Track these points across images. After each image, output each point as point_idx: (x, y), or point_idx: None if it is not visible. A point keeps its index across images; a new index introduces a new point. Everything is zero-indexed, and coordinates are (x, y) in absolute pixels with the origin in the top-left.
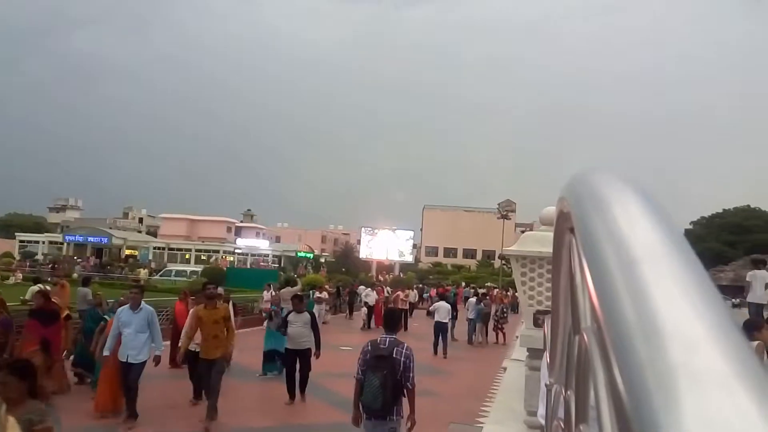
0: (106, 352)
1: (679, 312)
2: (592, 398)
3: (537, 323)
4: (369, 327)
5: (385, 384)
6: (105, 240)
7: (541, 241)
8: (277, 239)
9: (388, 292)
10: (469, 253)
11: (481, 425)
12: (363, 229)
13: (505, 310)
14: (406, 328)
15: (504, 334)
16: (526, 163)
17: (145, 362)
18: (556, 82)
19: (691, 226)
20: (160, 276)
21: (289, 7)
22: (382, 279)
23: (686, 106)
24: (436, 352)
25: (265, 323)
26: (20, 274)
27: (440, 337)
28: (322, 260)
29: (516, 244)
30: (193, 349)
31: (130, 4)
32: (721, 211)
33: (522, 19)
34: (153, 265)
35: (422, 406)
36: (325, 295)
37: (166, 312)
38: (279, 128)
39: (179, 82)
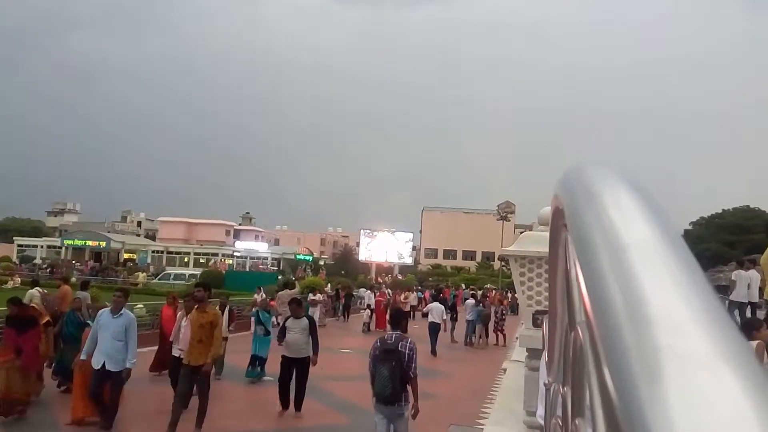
0: (83, 356)
1: (665, 297)
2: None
3: (536, 323)
4: (369, 330)
5: (393, 374)
6: (103, 244)
7: (539, 241)
8: (276, 242)
9: (389, 295)
10: (469, 255)
11: (481, 427)
12: (362, 231)
13: (504, 312)
14: (405, 331)
15: (504, 336)
16: (526, 163)
17: (124, 373)
18: (556, 81)
19: (690, 227)
20: (159, 279)
21: (288, 8)
22: (381, 281)
23: (686, 106)
24: (434, 353)
25: (253, 327)
26: (18, 279)
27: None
28: (321, 263)
29: (514, 244)
30: (177, 355)
31: (128, 5)
32: (720, 211)
33: (521, 18)
34: (151, 268)
35: (422, 408)
36: (320, 297)
37: None
38: (277, 130)
39: (178, 84)
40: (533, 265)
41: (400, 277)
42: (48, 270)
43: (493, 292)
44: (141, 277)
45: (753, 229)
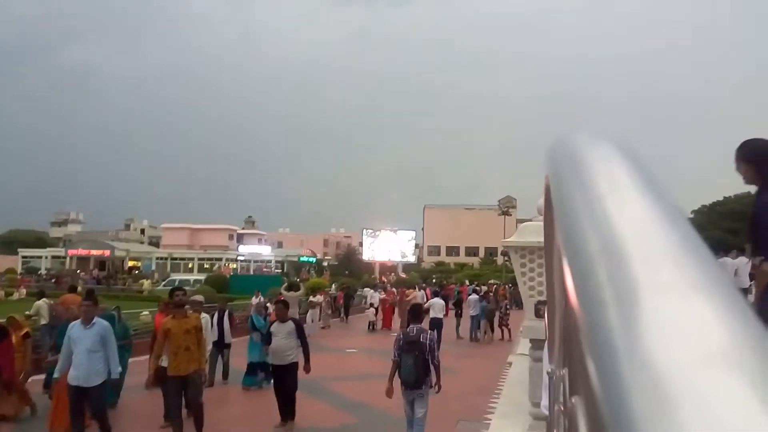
0: (56, 374)
1: (642, 234)
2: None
3: (538, 314)
4: (374, 329)
5: (417, 362)
6: (107, 252)
7: (538, 231)
8: (279, 245)
9: (396, 293)
10: (472, 251)
11: (488, 421)
12: (364, 231)
13: (508, 306)
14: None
15: (509, 331)
16: (526, 157)
17: (102, 385)
18: (553, 72)
19: (692, 215)
20: (164, 286)
21: (282, 12)
22: (385, 280)
23: (683, 94)
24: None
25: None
26: (24, 290)
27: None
28: (325, 264)
29: (514, 235)
30: (163, 365)
31: (127, 17)
32: (721, 198)
33: (514, 11)
34: (156, 275)
35: (431, 405)
36: (319, 298)
37: None
38: (277, 133)
39: (177, 91)
40: (534, 255)
41: (404, 276)
42: (53, 280)
43: (494, 286)
44: (146, 284)
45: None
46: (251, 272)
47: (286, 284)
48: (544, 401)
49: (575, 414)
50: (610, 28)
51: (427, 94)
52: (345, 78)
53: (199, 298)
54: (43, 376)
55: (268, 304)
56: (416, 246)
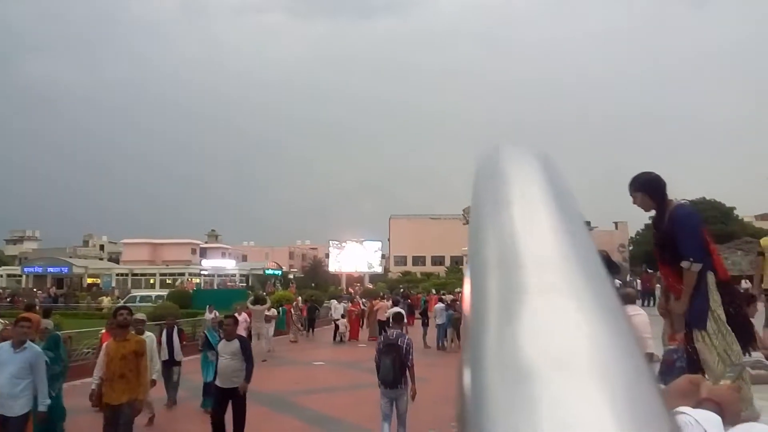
0: None
1: (533, 241)
2: None
3: None
4: (342, 340)
5: (395, 363)
6: (65, 269)
7: None
8: (244, 258)
9: (363, 305)
10: (438, 260)
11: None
12: (330, 242)
13: None
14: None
15: None
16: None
17: (26, 417)
18: (516, 88)
19: (650, 221)
20: (125, 303)
21: (244, 27)
22: (352, 291)
23: (639, 107)
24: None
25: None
26: None
27: None
28: (291, 276)
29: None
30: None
31: (84, 32)
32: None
33: (478, 28)
34: (117, 292)
35: None
36: (273, 312)
37: None
38: (238, 147)
39: (135, 106)
40: None
41: (371, 286)
42: (9, 300)
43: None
44: (106, 301)
45: (710, 221)
46: (215, 286)
47: (252, 297)
48: None
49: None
50: (576, 46)
51: (390, 107)
52: (308, 91)
53: (141, 316)
54: None
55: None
56: (383, 256)
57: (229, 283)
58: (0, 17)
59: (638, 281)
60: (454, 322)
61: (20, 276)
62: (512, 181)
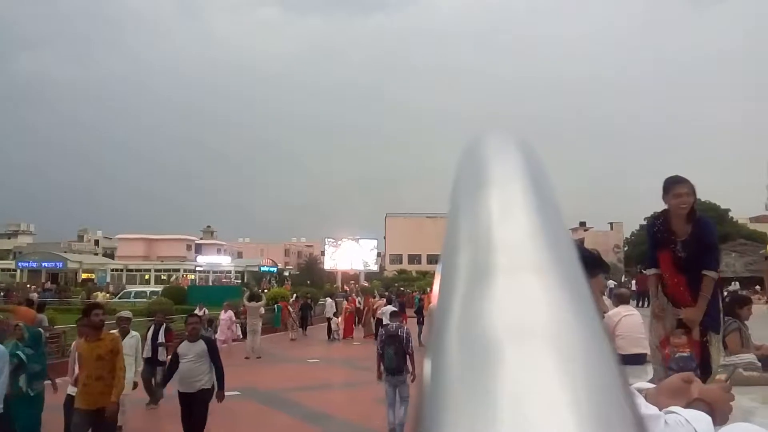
0: None
1: (504, 223)
2: None
3: None
4: (336, 338)
5: (397, 352)
6: (60, 264)
7: None
8: (239, 255)
9: (359, 302)
10: (434, 259)
11: None
12: (326, 240)
13: None
14: (376, 337)
15: None
16: None
17: None
18: (515, 87)
19: (645, 222)
20: (119, 299)
21: (240, 22)
22: (348, 289)
23: (635, 109)
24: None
25: None
26: None
27: None
28: (286, 274)
29: None
30: (72, 394)
31: (79, 26)
32: None
33: (476, 25)
34: (111, 287)
35: None
36: (262, 310)
37: None
38: (237, 143)
39: (130, 101)
40: None
41: (366, 284)
42: (2, 294)
43: None
44: (100, 296)
45: None
46: (210, 283)
47: (247, 294)
48: None
49: None
50: (562, 47)
51: (387, 104)
52: (305, 87)
53: (126, 314)
54: None
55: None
56: (378, 254)
57: (224, 280)
58: None
59: (633, 282)
60: None
61: (14, 270)
62: (488, 165)
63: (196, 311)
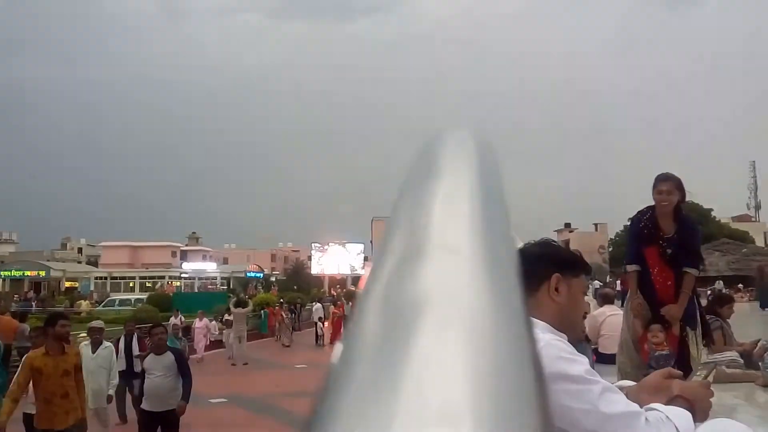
0: None
1: (441, 216)
2: None
3: None
4: (323, 344)
5: None
6: (43, 273)
7: None
8: (225, 261)
9: (347, 307)
10: None
11: None
12: (313, 245)
13: None
14: None
15: None
16: None
17: None
18: (493, 92)
19: (629, 223)
20: (103, 307)
21: (222, 28)
22: (335, 293)
23: (618, 110)
24: None
25: None
26: None
27: None
28: (273, 279)
29: None
30: (30, 413)
31: (60, 32)
32: None
33: (460, 31)
34: (95, 295)
35: None
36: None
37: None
38: (221, 148)
39: (112, 107)
40: None
41: (353, 288)
42: None
43: None
44: (84, 305)
45: None
46: (196, 289)
47: (234, 300)
48: None
49: None
50: (549, 52)
51: (370, 109)
52: (289, 92)
53: (98, 324)
54: None
55: (213, 322)
56: (365, 258)
57: (210, 286)
58: None
59: (618, 282)
60: None
61: None
62: (436, 159)
63: (172, 318)
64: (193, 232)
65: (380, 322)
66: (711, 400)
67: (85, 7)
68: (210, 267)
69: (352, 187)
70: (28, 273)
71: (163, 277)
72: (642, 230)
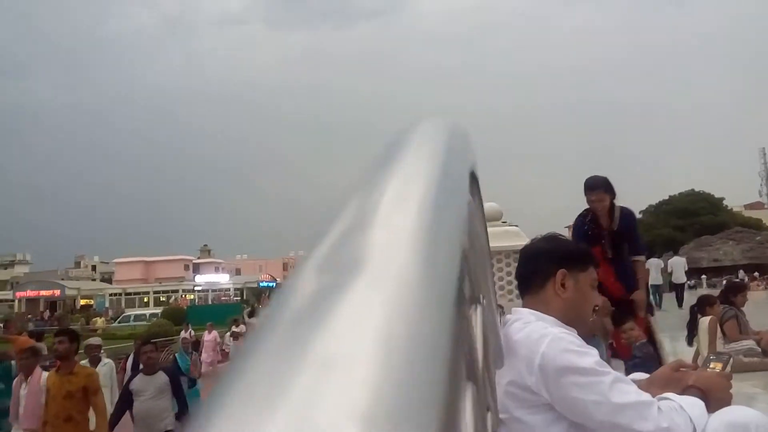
0: None
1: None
2: None
3: None
4: None
5: None
6: (58, 292)
7: None
8: (237, 271)
9: None
10: None
11: None
12: None
13: None
14: None
15: None
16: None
17: None
18: (493, 86)
19: (641, 216)
20: (119, 323)
21: (224, 37)
22: None
23: (627, 98)
24: None
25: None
26: None
27: None
28: None
29: None
30: None
31: (65, 48)
32: (667, 197)
33: (458, 32)
34: (110, 312)
35: None
36: (242, 328)
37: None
38: (231, 157)
39: (123, 117)
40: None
41: None
42: (1, 325)
43: None
44: (99, 322)
45: (699, 212)
46: (209, 302)
47: (248, 310)
48: None
49: None
50: (551, 40)
51: (377, 108)
52: (297, 96)
53: (95, 341)
54: None
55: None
56: None
57: (223, 298)
58: None
59: None
60: None
61: (12, 301)
62: (402, 143)
63: (182, 333)
64: (205, 245)
65: (302, 284)
66: (731, 392)
67: (91, 25)
68: (223, 279)
69: None
70: (43, 293)
71: (176, 291)
72: (587, 232)
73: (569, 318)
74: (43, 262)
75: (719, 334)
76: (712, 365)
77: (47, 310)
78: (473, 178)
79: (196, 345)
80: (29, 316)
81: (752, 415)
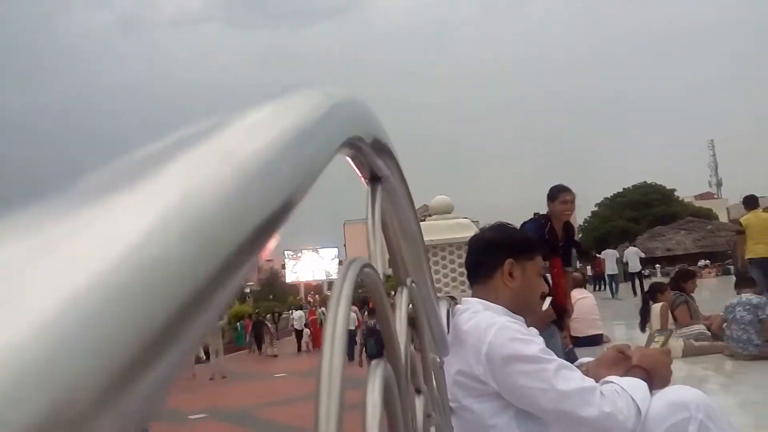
0: None
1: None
2: None
3: None
4: (308, 350)
5: (377, 342)
6: None
7: (430, 230)
8: None
9: (322, 313)
10: None
11: None
12: (285, 253)
13: None
14: None
15: None
16: (442, 166)
17: None
18: (455, 78)
19: (596, 208)
20: None
21: (184, 41)
22: (311, 300)
23: (581, 92)
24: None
25: None
26: None
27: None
28: (247, 290)
29: None
30: None
31: (25, 54)
32: (621, 190)
33: (421, 28)
34: None
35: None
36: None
37: None
38: None
39: (85, 125)
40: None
41: (329, 294)
42: None
43: None
44: None
45: (652, 203)
46: None
47: None
48: None
49: None
50: (513, 33)
51: None
52: (259, 96)
53: None
54: None
55: None
56: (340, 263)
57: None
58: None
59: (589, 267)
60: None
61: None
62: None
63: None
64: None
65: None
66: (671, 368)
67: (39, 32)
68: None
69: (319, 191)
70: None
71: None
72: (548, 242)
73: (517, 307)
74: None
75: (670, 319)
76: (656, 339)
77: None
78: (378, 150)
79: None
80: None
81: (692, 394)
